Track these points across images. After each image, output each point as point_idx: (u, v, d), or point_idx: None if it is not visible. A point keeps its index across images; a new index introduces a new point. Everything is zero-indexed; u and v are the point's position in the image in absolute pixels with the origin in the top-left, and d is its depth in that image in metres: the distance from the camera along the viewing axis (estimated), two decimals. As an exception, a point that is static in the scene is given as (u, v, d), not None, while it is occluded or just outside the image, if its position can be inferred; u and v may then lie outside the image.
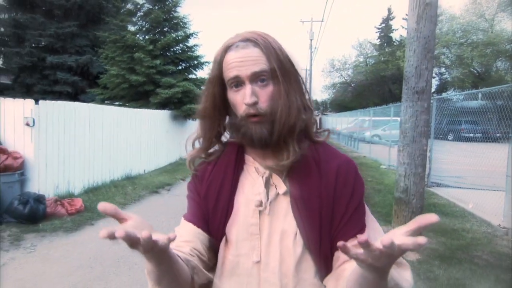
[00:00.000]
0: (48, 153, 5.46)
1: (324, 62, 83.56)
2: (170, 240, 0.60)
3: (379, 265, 0.58)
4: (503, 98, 5.46)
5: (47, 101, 5.51)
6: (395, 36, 38.84)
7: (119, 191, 6.85)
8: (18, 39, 14.54)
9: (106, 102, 11.60)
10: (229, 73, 0.79)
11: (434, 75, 36.73)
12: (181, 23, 12.00)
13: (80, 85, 15.18)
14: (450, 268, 3.67)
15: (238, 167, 0.88)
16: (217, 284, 0.84)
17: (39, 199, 4.82)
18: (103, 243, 4.25)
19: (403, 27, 37.86)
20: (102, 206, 0.59)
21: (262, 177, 0.85)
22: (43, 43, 14.49)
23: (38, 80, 14.86)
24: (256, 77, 0.78)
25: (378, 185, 7.94)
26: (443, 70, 35.31)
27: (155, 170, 9.57)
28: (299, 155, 0.81)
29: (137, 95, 11.00)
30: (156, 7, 11.62)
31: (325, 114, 39.81)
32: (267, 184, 0.84)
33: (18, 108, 5.16)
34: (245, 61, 0.77)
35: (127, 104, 11.00)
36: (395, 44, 37.64)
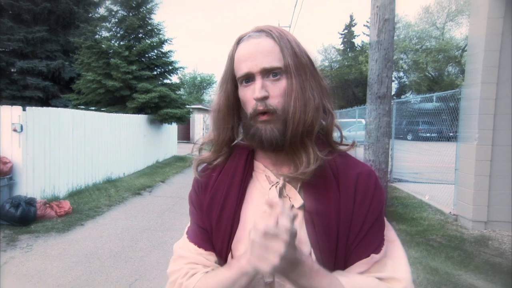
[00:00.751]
0: (35, 158, 5.55)
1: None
2: None
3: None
4: (455, 100, 6.10)
5: (34, 107, 5.59)
6: (357, 41, 40.36)
7: (103, 194, 6.97)
8: (-15, 44, 14.07)
9: (80, 107, 11.51)
10: (239, 68, 0.74)
11: (393, 79, 38.61)
12: (155, 30, 12.15)
13: (51, 90, 14.89)
14: (409, 249, 4.19)
15: (246, 175, 0.79)
16: None
17: (30, 202, 4.93)
18: (97, 241, 4.47)
19: (364, 33, 39.54)
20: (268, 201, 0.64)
21: (276, 186, 0.76)
22: (11, 48, 14.09)
23: (6, 85, 14.42)
24: (267, 71, 0.71)
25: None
26: (401, 74, 37.14)
27: (134, 173, 9.68)
28: (322, 161, 0.73)
29: (113, 100, 11.04)
30: (131, 14, 11.70)
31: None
32: (280, 196, 0.75)
33: (5, 114, 5.23)
34: (256, 53, 0.71)
35: (103, 109, 11.00)
36: (357, 49, 39.14)
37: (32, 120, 5.45)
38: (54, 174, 6.08)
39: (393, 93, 37.81)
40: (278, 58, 0.71)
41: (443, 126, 8.06)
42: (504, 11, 4.60)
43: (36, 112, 5.60)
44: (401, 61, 35.28)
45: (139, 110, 10.80)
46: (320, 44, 69.50)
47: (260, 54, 0.70)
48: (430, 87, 31.56)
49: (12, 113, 5.24)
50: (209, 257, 0.77)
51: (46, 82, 14.54)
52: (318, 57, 51.76)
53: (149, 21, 11.97)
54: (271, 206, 0.62)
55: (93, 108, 11.40)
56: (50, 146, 5.96)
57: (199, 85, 41.82)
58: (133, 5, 11.70)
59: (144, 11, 11.79)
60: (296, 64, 0.71)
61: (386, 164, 5.29)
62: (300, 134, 0.71)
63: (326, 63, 42.68)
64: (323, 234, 0.72)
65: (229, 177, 0.79)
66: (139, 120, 10.48)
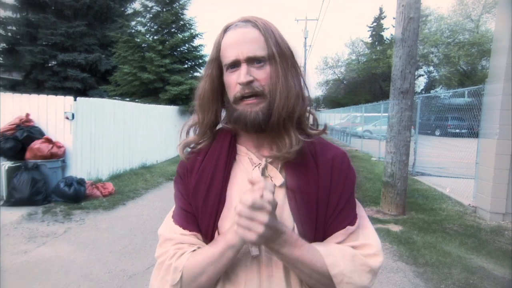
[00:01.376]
0: (83, 143, 6.17)
1: (318, 59, 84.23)
2: None
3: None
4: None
5: (83, 98, 6.20)
6: (386, 35, 39.61)
7: (139, 178, 7.56)
8: (30, 38, 15.06)
9: (116, 98, 12.23)
10: (225, 55, 0.78)
11: (423, 73, 37.76)
12: (187, 25, 12.65)
13: (89, 82, 15.78)
14: (426, 236, 4.46)
15: (230, 158, 0.83)
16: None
17: (81, 182, 5.54)
18: (139, 219, 5.01)
19: (393, 26, 38.73)
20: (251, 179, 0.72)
21: (258, 167, 0.81)
22: (54, 42, 15.01)
23: (49, 76, 15.41)
24: (252, 58, 0.75)
25: (369, 174, 8.73)
26: (431, 68, 36.18)
27: (166, 161, 10.29)
28: (302, 143, 0.79)
29: (147, 92, 11.67)
30: (165, 9, 12.25)
31: (318, 110, 40.57)
32: (263, 175, 0.80)
33: (59, 104, 5.85)
34: (242, 42, 0.75)
35: (137, 100, 11.66)
36: (386, 42, 38.39)
37: (82, 110, 6.05)
38: (98, 159, 6.70)
39: (421, 87, 37.11)
40: (262, 47, 0.75)
41: (474, 122, 8.00)
42: (528, 10, 4.72)
43: (85, 102, 6.21)
44: (431, 55, 34.35)
45: (171, 101, 11.38)
46: (348, 38, 68.50)
47: (246, 43, 0.75)
48: (461, 82, 30.64)
49: (65, 102, 5.84)
50: (194, 238, 0.80)
51: (84, 74, 15.42)
52: (345, 51, 51.05)
53: (182, 17, 12.48)
54: (253, 183, 0.69)
55: (128, 99, 12.09)
56: (95, 133, 6.57)
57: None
58: (167, 1, 12.23)
59: (177, 7, 12.31)
60: (279, 53, 0.76)
61: (406, 156, 5.53)
62: (282, 118, 0.76)
63: (353, 57, 42.21)
64: (304, 209, 0.76)
65: (214, 160, 0.82)
66: (171, 111, 11.05)
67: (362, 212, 0.84)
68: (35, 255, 3.62)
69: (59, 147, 5.63)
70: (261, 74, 0.75)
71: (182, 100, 11.47)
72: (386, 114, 12.06)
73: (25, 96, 5.99)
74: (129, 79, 11.40)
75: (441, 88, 34.73)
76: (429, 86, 37.35)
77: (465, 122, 9.48)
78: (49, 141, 5.55)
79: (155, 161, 9.63)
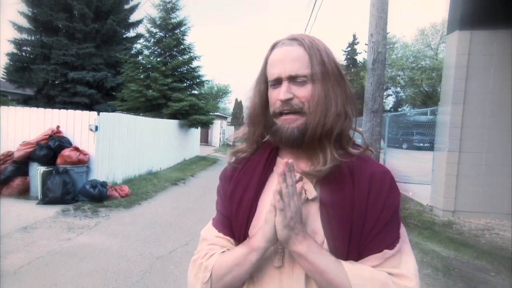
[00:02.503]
0: (103, 151, 6.60)
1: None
2: None
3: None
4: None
5: (105, 113, 6.66)
6: (359, 58, 41.13)
7: (148, 182, 7.99)
8: (44, 58, 15.33)
9: (123, 112, 12.61)
10: (270, 72, 0.76)
11: (391, 93, 39.28)
12: (187, 49, 13.24)
13: (95, 97, 16.08)
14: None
15: (267, 168, 0.80)
16: None
17: (103, 184, 5.96)
18: (155, 215, 5.47)
19: (365, 51, 40.31)
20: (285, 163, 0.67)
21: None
22: (65, 61, 15.32)
23: (59, 92, 15.66)
24: (294, 76, 0.73)
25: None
26: (398, 89, 37.79)
27: (169, 168, 10.71)
28: (338, 161, 0.73)
29: (151, 107, 12.12)
30: (167, 35, 12.82)
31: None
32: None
33: (84, 118, 6.29)
34: (285, 60, 0.73)
35: (141, 114, 12.09)
36: (359, 65, 39.88)
37: (103, 123, 6.50)
38: (114, 165, 7.12)
39: (390, 106, 38.57)
40: (305, 66, 0.72)
41: (435, 137, 8.77)
42: (469, 49, 5.51)
43: (106, 117, 6.67)
44: (398, 77, 35.92)
45: (172, 116, 11.86)
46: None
47: (290, 61, 0.72)
48: (424, 102, 32.26)
49: (89, 116, 6.29)
50: (227, 242, 0.80)
51: (92, 90, 15.73)
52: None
53: (182, 42, 13.07)
54: (281, 174, 0.67)
55: (133, 113, 12.50)
56: (113, 143, 7.01)
57: (215, 95, 43.08)
58: (169, 28, 12.82)
59: (178, 33, 12.90)
60: (322, 72, 0.72)
61: (376, 164, 6.20)
62: (318, 135, 0.72)
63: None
64: (336, 226, 0.70)
65: (251, 170, 0.80)
66: (172, 124, 11.53)
67: (405, 237, 0.75)
68: (77, 242, 4.06)
69: (85, 154, 6.06)
70: (302, 92, 0.72)
71: (182, 115, 11.98)
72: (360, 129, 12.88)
73: (56, 111, 6.41)
74: (135, 95, 11.84)
75: (407, 107, 36.35)
76: (397, 105, 38.91)
77: (427, 137, 10.28)
78: (76, 149, 5.98)
79: (159, 168, 10.06)
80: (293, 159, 0.72)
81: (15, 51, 15.86)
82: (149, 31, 12.99)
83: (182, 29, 13.09)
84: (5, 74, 16.45)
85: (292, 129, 0.73)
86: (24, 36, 15.92)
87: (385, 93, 40.38)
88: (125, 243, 4.15)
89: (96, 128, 6.28)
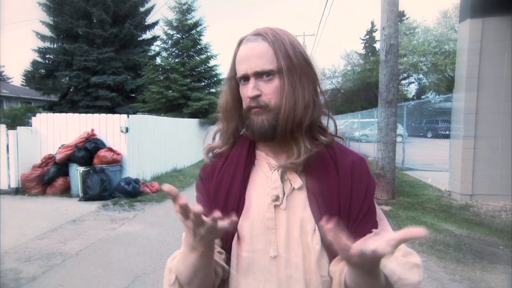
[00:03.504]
0: (133, 151, 7.28)
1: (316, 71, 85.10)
2: (232, 222, 0.63)
3: (361, 267, 0.60)
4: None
5: (133, 115, 7.32)
6: (378, 46, 40.71)
7: (175, 179, 8.65)
8: (67, 64, 16.35)
9: (145, 113, 13.39)
10: (238, 69, 0.78)
11: (413, 80, 38.74)
12: (204, 48, 13.85)
13: (116, 100, 17.01)
14: (409, 212, 5.48)
15: (249, 162, 0.82)
16: (234, 282, 0.78)
17: (136, 181, 6.64)
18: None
19: (385, 39, 39.86)
20: (167, 187, 0.59)
21: (278, 171, 0.79)
22: (87, 67, 16.29)
23: (82, 97, 16.67)
24: (260, 72, 0.75)
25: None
26: (421, 76, 37.23)
27: (191, 165, 11.38)
28: (313, 153, 0.77)
29: (172, 107, 12.82)
30: (184, 37, 13.47)
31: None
32: (282, 179, 0.79)
33: (115, 120, 6.98)
34: (251, 56, 0.75)
35: (162, 115, 12.80)
36: (378, 53, 39.43)
37: (132, 124, 7.17)
38: (143, 163, 7.80)
39: (413, 94, 38.06)
40: (270, 61, 0.74)
41: (451, 123, 8.98)
42: (481, 36, 5.80)
43: (134, 118, 7.34)
44: (420, 64, 35.38)
45: (192, 115, 12.51)
46: (343, 50, 69.80)
47: (255, 58, 0.74)
48: (449, 88, 31.59)
49: (120, 119, 6.97)
50: None
51: (113, 94, 16.66)
52: (341, 62, 52.22)
53: (199, 42, 13.68)
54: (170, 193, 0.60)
55: (154, 114, 13.25)
56: (142, 143, 7.69)
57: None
58: (186, 29, 13.45)
59: (195, 34, 13.51)
60: (288, 66, 0.74)
61: (393, 153, 6.57)
62: (290, 128, 0.75)
63: (349, 67, 43.29)
64: (325, 212, 0.73)
65: (233, 165, 0.82)
66: (193, 123, 12.18)
67: (381, 214, 0.82)
68: (121, 230, 4.71)
69: (118, 154, 6.74)
70: (268, 88, 0.75)
71: (202, 114, 12.61)
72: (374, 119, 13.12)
73: (89, 116, 7.13)
74: (156, 97, 12.56)
75: (431, 93, 35.77)
76: (420, 92, 38.34)
77: (452, 124, 10.45)
78: (110, 150, 6.67)
79: (183, 165, 10.73)
80: (270, 152, 0.82)
81: (39, 59, 16.97)
82: (166, 33, 13.67)
83: (198, 29, 13.70)
84: (24, 81, 17.57)
85: (262, 121, 0.76)
86: (47, 44, 16.99)
87: (406, 81, 39.93)
88: (163, 231, 4.76)
89: (127, 129, 6.96)
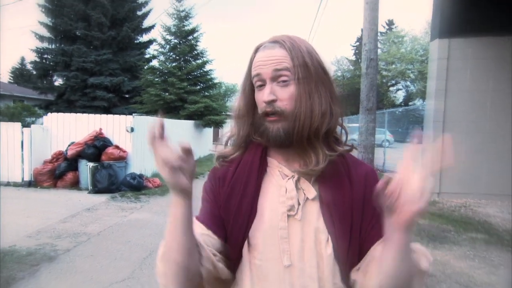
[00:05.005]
0: (137, 149, 7.98)
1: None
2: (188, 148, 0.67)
3: (412, 216, 0.59)
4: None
5: (138, 116, 8.03)
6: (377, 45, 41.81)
7: (173, 177, 9.36)
8: (65, 65, 16.89)
9: (142, 114, 14.04)
10: (253, 72, 0.79)
11: (401, 87, 40.03)
12: (200, 54, 14.61)
13: (113, 101, 17.59)
14: (383, 206, 6.32)
15: (262, 170, 0.82)
16: None
17: (141, 176, 7.35)
18: (186, 200, 6.81)
19: (374, 46, 41.21)
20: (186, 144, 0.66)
21: (292, 179, 0.79)
22: (85, 68, 16.85)
23: (79, 97, 17.21)
24: (277, 77, 0.75)
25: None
26: (408, 83, 38.62)
27: (187, 165, 12.11)
28: (330, 159, 0.77)
29: (169, 109, 13.52)
30: (181, 42, 14.22)
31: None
32: (296, 188, 0.78)
33: (122, 121, 7.68)
34: (268, 61, 0.76)
35: (159, 116, 13.47)
36: (367, 61, 40.60)
37: (137, 124, 7.88)
38: (145, 161, 8.49)
39: (400, 100, 39.37)
40: (287, 67, 0.75)
41: (423, 130, 9.89)
42: (448, 54, 6.70)
43: (138, 119, 8.04)
44: (408, 71, 36.76)
45: (188, 117, 13.23)
46: (333, 56, 71.36)
47: (271, 63, 0.75)
48: (435, 95, 32.91)
49: (126, 120, 7.67)
50: (213, 239, 0.77)
51: (110, 94, 17.24)
52: (331, 68, 53.59)
53: (196, 47, 14.44)
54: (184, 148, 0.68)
55: (152, 115, 13.92)
56: (144, 142, 8.37)
57: (223, 94, 44.51)
58: (183, 35, 14.20)
59: (192, 40, 14.27)
60: (305, 73, 0.75)
61: (372, 154, 7.43)
62: (306, 135, 0.75)
63: (339, 73, 44.56)
64: (338, 223, 0.74)
65: (246, 172, 0.81)
66: (189, 124, 12.90)
67: None
68: (131, 217, 5.43)
69: (124, 152, 7.45)
70: (284, 94, 0.75)
71: (198, 116, 13.34)
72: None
73: (97, 116, 7.82)
74: (154, 99, 13.26)
75: (418, 100, 37.13)
76: (408, 99, 39.68)
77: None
78: (117, 147, 7.37)
79: (179, 165, 11.44)
80: (283, 160, 0.81)
81: (37, 59, 17.45)
82: (164, 38, 14.40)
83: (195, 35, 14.46)
84: (11, 78, 17.93)
85: (277, 129, 0.76)
86: (45, 45, 17.50)
87: (395, 87, 41.27)
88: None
89: (132, 129, 7.66)
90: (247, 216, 0.78)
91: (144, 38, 19.95)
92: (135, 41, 18.94)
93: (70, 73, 16.54)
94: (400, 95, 41.47)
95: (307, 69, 0.76)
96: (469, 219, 5.45)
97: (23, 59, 43.19)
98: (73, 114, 8.02)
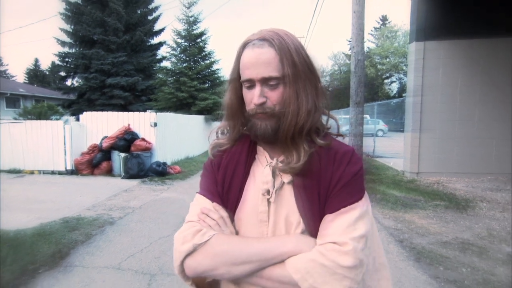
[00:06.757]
0: (159, 142, 8.92)
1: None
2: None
3: None
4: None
5: (160, 113, 8.96)
6: (365, 47, 42.40)
7: (189, 164, 10.31)
8: (85, 67, 17.78)
9: (157, 111, 14.96)
10: (243, 73, 0.78)
11: (395, 79, 40.61)
12: (208, 55, 15.47)
13: (128, 99, 18.50)
14: (369, 184, 7.21)
15: (250, 157, 0.85)
16: None
17: (164, 164, 8.30)
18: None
19: (369, 41, 41.80)
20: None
21: (270, 166, 0.81)
22: (103, 69, 17.74)
23: (99, 96, 18.14)
24: (267, 80, 0.75)
25: (343, 158, 11.52)
26: (402, 75, 39.23)
27: (199, 155, 13.04)
28: (310, 153, 0.78)
29: (181, 106, 14.44)
30: (191, 45, 15.07)
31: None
32: (274, 173, 0.81)
33: (146, 117, 8.61)
34: (257, 63, 0.75)
35: (172, 112, 14.42)
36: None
37: (159, 120, 8.81)
38: (166, 151, 9.44)
39: (394, 92, 39.99)
40: (277, 69, 0.74)
41: (405, 120, 10.81)
42: (423, 55, 7.54)
43: (161, 116, 8.98)
44: (401, 64, 37.39)
45: (199, 112, 14.14)
46: (330, 52, 71.53)
47: (261, 64, 0.74)
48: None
49: (150, 116, 8.60)
50: (223, 211, 0.83)
51: (126, 93, 18.15)
52: (329, 63, 53.99)
53: (204, 49, 15.29)
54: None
55: (166, 112, 14.84)
56: (164, 135, 9.33)
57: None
58: (193, 38, 15.05)
59: (201, 42, 15.12)
60: (293, 73, 0.75)
61: (361, 142, 8.32)
62: (291, 134, 0.76)
63: (336, 68, 45.21)
64: (308, 205, 0.76)
65: (235, 160, 0.85)
66: (200, 119, 13.82)
67: (365, 205, 0.79)
68: (162, 196, 6.39)
69: (149, 143, 8.39)
70: (274, 95, 0.76)
71: (207, 111, 14.26)
72: (366, 115, 14.89)
73: (125, 113, 8.76)
74: (168, 97, 14.18)
75: (411, 92, 37.76)
76: (401, 91, 40.27)
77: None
78: (144, 140, 8.31)
79: (194, 154, 12.39)
80: (270, 150, 0.84)
81: (59, 63, 18.36)
82: (175, 42, 15.24)
83: (203, 38, 15.30)
84: (26, 78, 18.85)
85: (266, 126, 0.77)
86: (66, 49, 18.39)
87: (389, 80, 41.88)
88: (193, 196, 6.44)
89: (155, 124, 8.59)
90: (235, 199, 0.83)
91: (155, 40, 20.81)
92: (147, 44, 19.77)
93: (90, 75, 17.44)
94: (394, 87, 42.10)
95: (295, 68, 0.75)
96: (438, 192, 6.36)
97: (36, 60, 44.36)
98: (104, 113, 8.95)
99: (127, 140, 8.15)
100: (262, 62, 0.75)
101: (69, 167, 8.28)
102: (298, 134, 0.78)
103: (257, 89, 0.76)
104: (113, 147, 8.16)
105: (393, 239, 3.97)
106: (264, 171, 0.81)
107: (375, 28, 45.46)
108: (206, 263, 0.75)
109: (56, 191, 6.58)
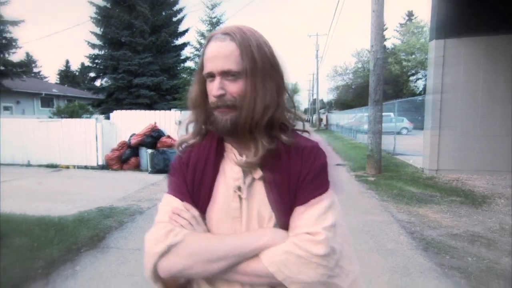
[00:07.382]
0: (183, 139, 9.38)
1: (329, 68, 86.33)
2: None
3: None
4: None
5: (184, 110, 9.41)
6: (388, 44, 41.66)
7: (211, 161, 10.75)
8: (113, 68, 18.65)
9: (180, 109, 15.54)
10: (205, 66, 0.79)
11: (420, 76, 39.65)
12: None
13: (154, 98, 19.23)
14: (388, 181, 7.33)
15: (219, 153, 0.85)
16: None
17: (188, 160, 8.74)
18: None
19: (394, 37, 40.96)
20: None
21: (239, 163, 0.82)
22: (130, 70, 18.55)
23: (126, 95, 18.97)
24: (226, 72, 0.76)
25: (363, 155, 11.59)
26: (428, 72, 38.13)
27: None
28: (270, 148, 0.80)
29: (204, 104, 14.95)
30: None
31: (330, 112, 43.09)
32: (244, 170, 0.82)
33: (171, 116, 9.09)
34: (217, 56, 0.76)
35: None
36: (387, 51, 40.42)
37: (183, 118, 9.26)
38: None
39: (420, 89, 39.05)
40: (236, 62, 0.76)
41: (424, 118, 10.69)
42: (443, 52, 7.55)
43: (186, 114, 9.43)
44: (427, 61, 36.31)
45: (221, 111, 14.58)
46: (354, 49, 70.44)
47: (222, 58, 0.75)
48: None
49: (175, 115, 9.07)
50: (194, 210, 0.83)
51: (151, 93, 18.88)
52: (352, 60, 53.21)
53: (226, 49, 15.72)
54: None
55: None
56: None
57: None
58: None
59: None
60: (252, 68, 0.76)
61: (380, 139, 8.42)
62: (248, 128, 0.78)
63: (359, 65, 44.48)
64: (279, 199, 0.78)
65: (204, 156, 0.84)
66: (222, 117, 14.27)
67: (331, 195, 0.80)
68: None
69: (174, 140, 8.79)
70: (233, 88, 0.77)
71: (229, 110, 14.69)
72: (390, 113, 14.72)
73: (152, 112, 9.28)
74: (192, 96, 14.71)
75: (438, 89, 36.69)
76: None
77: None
78: (169, 137, 8.79)
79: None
80: (235, 145, 0.84)
81: (89, 64, 19.35)
82: (199, 42, 15.75)
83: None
84: (58, 79, 19.91)
85: (225, 120, 0.78)
86: (96, 51, 19.34)
87: (414, 77, 40.87)
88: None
89: (180, 122, 9.04)
90: (207, 196, 0.82)
91: (179, 41, 21.46)
92: (172, 45, 20.44)
93: (118, 75, 18.27)
94: (420, 84, 41.05)
95: (255, 63, 0.77)
96: (456, 189, 6.41)
97: (67, 62, 46.54)
98: (133, 111, 9.52)
99: (153, 137, 8.65)
100: (223, 55, 0.76)
101: (100, 163, 8.89)
102: (256, 129, 0.79)
103: (217, 81, 0.77)
104: (140, 144, 8.68)
105: (404, 231, 4.15)
106: (234, 168, 0.83)
107: (401, 24, 44.45)
108: (181, 262, 0.76)
109: (90, 184, 7.15)
